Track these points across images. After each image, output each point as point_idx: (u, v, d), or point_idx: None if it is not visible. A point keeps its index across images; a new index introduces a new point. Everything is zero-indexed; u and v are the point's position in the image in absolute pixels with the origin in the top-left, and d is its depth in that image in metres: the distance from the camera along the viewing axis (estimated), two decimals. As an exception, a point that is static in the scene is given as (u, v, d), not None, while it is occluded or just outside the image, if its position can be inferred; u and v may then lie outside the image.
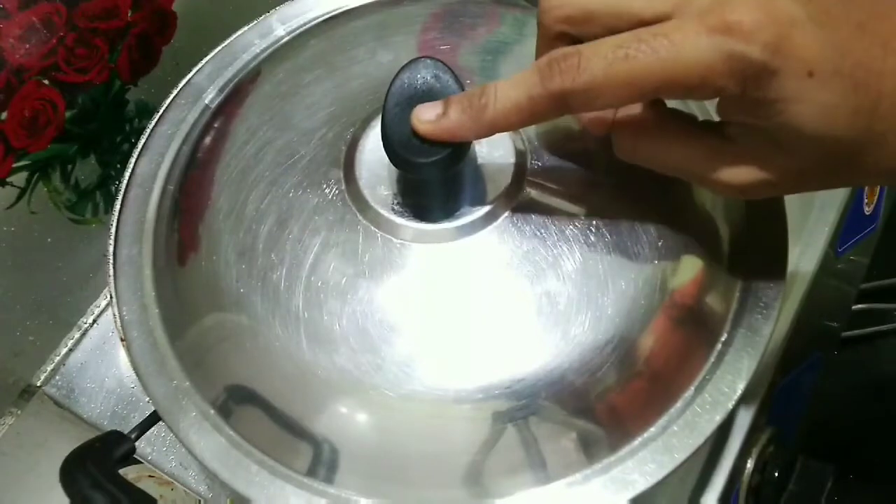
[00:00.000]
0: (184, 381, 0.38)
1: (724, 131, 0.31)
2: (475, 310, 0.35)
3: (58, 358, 0.65)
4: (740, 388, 0.35)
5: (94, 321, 0.68)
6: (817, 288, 0.54)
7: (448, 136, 0.32)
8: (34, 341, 0.64)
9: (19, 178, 0.55)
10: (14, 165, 0.53)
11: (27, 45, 0.51)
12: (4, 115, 0.51)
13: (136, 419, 0.65)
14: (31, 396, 0.66)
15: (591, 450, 0.35)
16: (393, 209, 0.36)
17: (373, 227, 0.36)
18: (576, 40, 0.31)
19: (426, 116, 0.32)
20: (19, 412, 0.66)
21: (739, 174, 0.31)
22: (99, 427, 0.63)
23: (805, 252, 0.55)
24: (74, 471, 0.35)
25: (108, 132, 0.58)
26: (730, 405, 0.35)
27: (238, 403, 0.37)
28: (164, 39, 0.60)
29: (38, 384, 0.65)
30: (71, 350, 0.66)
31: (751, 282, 0.38)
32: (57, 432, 0.67)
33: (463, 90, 0.34)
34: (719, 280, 0.38)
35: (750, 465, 0.49)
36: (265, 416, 0.36)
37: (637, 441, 0.35)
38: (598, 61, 0.28)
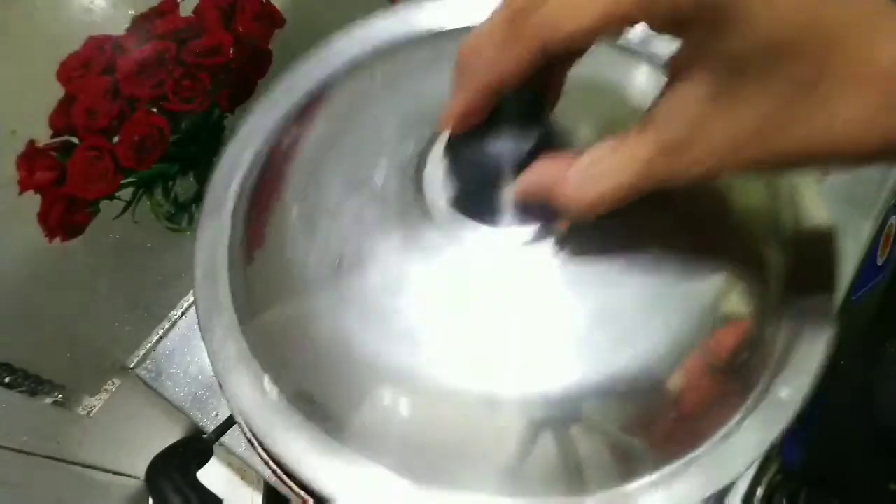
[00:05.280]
0: (259, 380, 0.38)
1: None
2: (532, 318, 0.34)
3: (149, 345, 0.68)
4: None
5: (183, 314, 0.71)
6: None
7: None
8: (130, 330, 0.67)
9: (125, 192, 0.57)
10: (122, 182, 0.55)
11: (140, 78, 0.53)
12: (117, 138, 0.54)
13: (214, 404, 0.68)
14: (125, 377, 0.70)
15: (629, 467, 0.34)
16: (460, 215, 0.35)
17: (439, 232, 0.35)
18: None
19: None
20: (114, 390, 0.70)
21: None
22: (181, 408, 0.66)
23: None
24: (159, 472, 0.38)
25: (206, 154, 0.59)
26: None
27: (311, 403, 0.36)
28: (259, 74, 0.62)
29: (132, 366, 0.68)
30: (161, 338, 0.69)
31: (794, 339, 0.37)
32: (146, 406, 0.70)
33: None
34: (764, 330, 0.37)
35: (759, 492, 0.51)
36: (340, 412, 0.36)
37: (677, 463, 0.35)
38: None
